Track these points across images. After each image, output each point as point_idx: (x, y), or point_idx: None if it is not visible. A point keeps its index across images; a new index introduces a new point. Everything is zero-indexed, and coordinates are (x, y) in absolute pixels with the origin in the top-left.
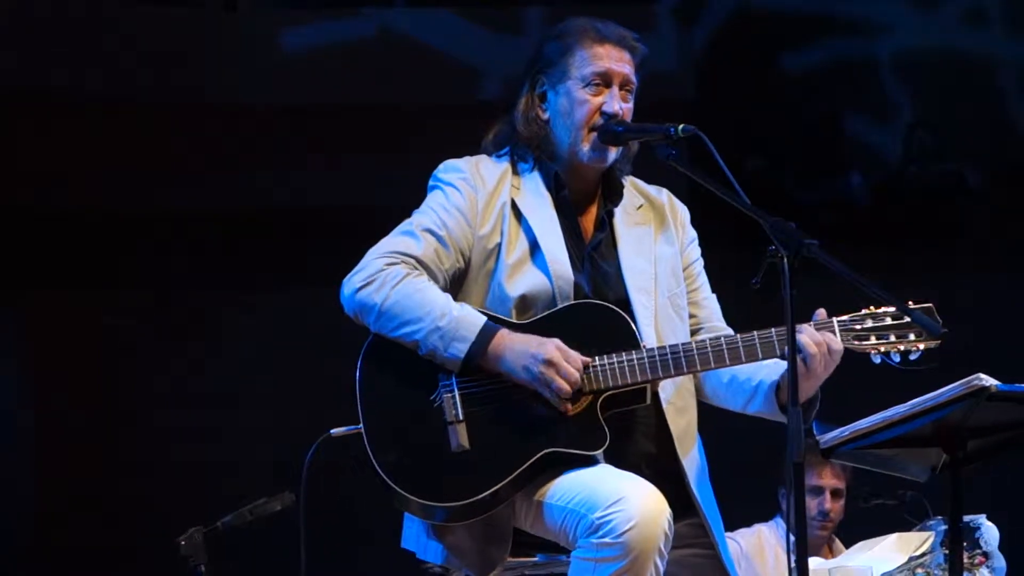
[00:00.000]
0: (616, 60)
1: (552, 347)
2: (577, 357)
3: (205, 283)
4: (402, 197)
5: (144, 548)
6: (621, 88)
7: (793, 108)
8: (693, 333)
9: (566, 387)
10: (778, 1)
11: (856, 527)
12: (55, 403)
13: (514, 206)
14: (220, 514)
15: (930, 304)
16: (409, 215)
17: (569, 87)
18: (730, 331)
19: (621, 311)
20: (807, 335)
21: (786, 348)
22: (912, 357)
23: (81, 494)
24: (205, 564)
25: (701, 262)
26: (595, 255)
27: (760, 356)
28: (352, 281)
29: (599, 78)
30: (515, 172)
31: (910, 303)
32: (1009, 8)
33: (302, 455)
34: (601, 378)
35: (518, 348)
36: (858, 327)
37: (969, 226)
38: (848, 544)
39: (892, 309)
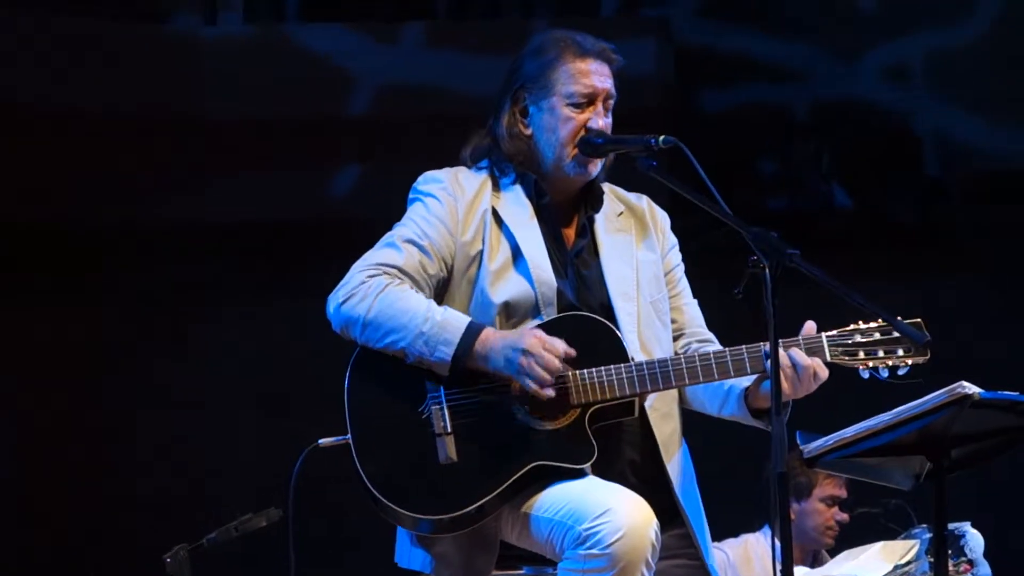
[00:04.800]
0: (600, 76)
1: (531, 337)
2: (557, 344)
3: (187, 297)
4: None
5: (130, 566)
6: (604, 102)
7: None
8: (675, 339)
9: (546, 376)
10: (701, 40)
11: (841, 536)
12: (36, 418)
13: (495, 214)
14: (206, 531)
15: (919, 320)
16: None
17: (554, 103)
18: (712, 336)
19: (609, 324)
20: (797, 360)
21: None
22: (900, 372)
23: (65, 511)
24: None
25: (682, 267)
26: (577, 262)
27: (748, 370)
28: (336, 296)
29: (584, 97)
30: (495, 184)
31: (899, 318)
32: (930, 65)
33: (289, 469)
34: (589, 391)
35: (500, 344)
36: (847, 342)
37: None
38: (833, 553)
39: (880, 324)
